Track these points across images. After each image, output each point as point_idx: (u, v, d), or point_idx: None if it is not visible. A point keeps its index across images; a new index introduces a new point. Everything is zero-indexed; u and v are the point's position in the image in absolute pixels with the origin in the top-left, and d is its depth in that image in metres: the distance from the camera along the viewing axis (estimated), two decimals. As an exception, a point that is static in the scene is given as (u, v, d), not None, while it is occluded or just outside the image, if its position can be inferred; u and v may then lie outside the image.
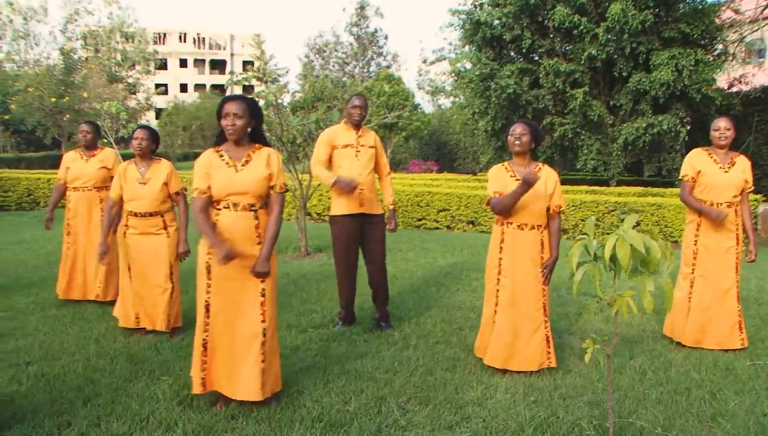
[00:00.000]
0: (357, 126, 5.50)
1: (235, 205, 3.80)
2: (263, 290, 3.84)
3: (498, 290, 4.57)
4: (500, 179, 4.57)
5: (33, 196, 15.78)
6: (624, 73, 17.56)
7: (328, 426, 3.63)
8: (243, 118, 3.79)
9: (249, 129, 3.89)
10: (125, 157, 9.32)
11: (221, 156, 3.86)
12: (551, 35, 19.19)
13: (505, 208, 4.45)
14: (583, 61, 17.90)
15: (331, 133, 5.55)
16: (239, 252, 3.74)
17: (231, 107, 3.78)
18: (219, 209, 3.83)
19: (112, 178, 6.19)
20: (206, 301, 3.84)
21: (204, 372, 3.84)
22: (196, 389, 3.84)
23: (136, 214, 5.34)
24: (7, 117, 33.58)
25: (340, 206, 5.43)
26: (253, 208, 3.83)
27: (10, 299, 6.46)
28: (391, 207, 5.69)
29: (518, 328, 4.49)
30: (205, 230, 3.78)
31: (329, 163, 5.50)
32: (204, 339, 3.84)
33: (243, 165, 3.84)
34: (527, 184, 4.19)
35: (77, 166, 6.44)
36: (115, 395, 4.02)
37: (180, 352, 4.89)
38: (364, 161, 5.43)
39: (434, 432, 3.60)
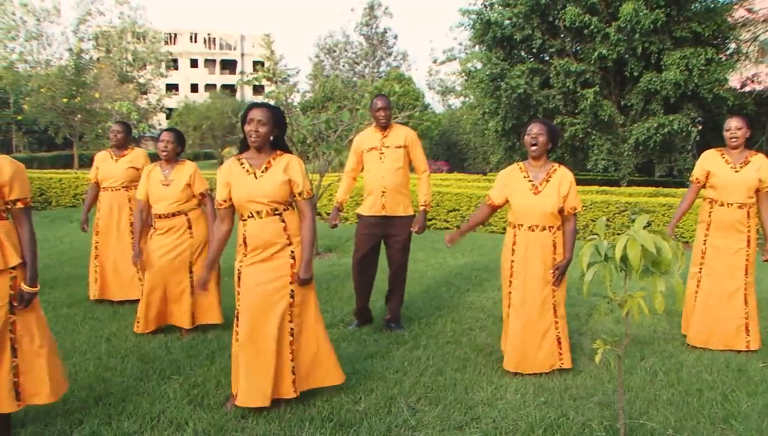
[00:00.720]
0: (384, 128, 5.49)
1: (258, 212, 3.78)
2: (292, 291, 3.82)
3: (510, 293, 4.57)
4: (507, 184, 4.57)
5: (45, 196, 15.86)
6: (635, 73, 17.51)
7: (338, 426, 3.63)
8: (266, 126, 3.76)
9: (272, 137, 3.86)
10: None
11: (242, 164, 3.85)
12: (562, 35, 19.17)
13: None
14: (593, 61, 17.86)
15: (358, 138, 5.63)
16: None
17: (255, 114, 3.75)
18: (245, 220, 3.82)
19: None
20: (237, 309, 3.85)
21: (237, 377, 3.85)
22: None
23: (160, 216, 5.35)
24: (20, 117, 33.81)
25: (365, 207, 5.50)
26: (277, 212, 3.80)
27: (22, 297, 6.49)
28: (422, 207, 5.62)
29: (529, 330, 4.46)
30: (213, 241, 4.04)
31: (361, 167, 5.62)
32: (236, 351, 3.85)
33: (263, 172, 3.81)
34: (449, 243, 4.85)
35: (107, 166, 6.44)
36: (126, 394, 4.04)
37: (190, 351, 4.90)
38: (387, 163, 5.41)
39: (444, 432, 3.60)
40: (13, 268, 3.27)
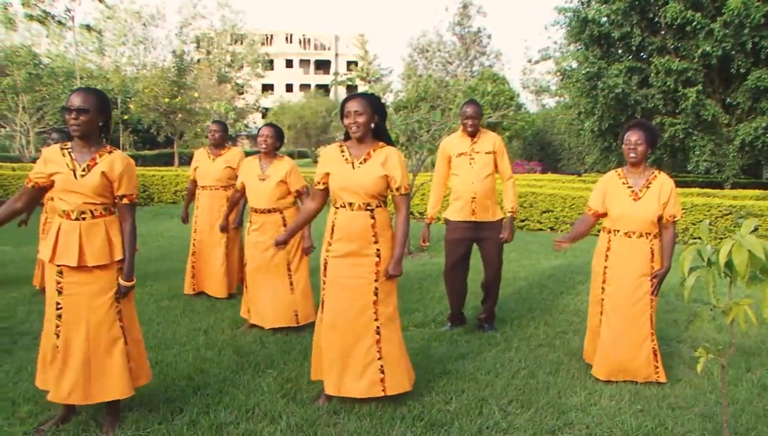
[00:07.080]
0: (473, 134, 5.45)
1: (350, 204, 3.79)
2: (376, 289, 3.82)
3: (603, 299, 4.45)
4: (607, 191, 4.45)
5: (148, 193, 16.56)
6: (742, 70, 16.74)
7: (428, 425, 3.63)
8: (364, 115, 3.75)
9: (372, 125, 3.84)
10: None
11: (342, 151, 3.87)
12: (662, 32, 18.56)
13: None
14: (696, 59, 17.20)
15: (447, 143, 5.58)
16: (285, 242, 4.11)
17: (352, 106, 3.76)
18: (336, 208, 3.85)
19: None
20: (322, 297, 3.90)
21: (317, 363, 3.96)
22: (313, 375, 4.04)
23: (255, 210, 5.49)
24: (126, 117, 35.45)
25: (453, 211, 5.45)
26: (369, 207, 3.79)
27: (127, 289, 6.79)
28: (510, 214, 5.52)
29: (623, 339, 4.32)
30: (299, 215, 4.14)
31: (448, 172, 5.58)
32: (318, 338, 3.92)
33: (361, 163, 3.81)
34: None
35: (204, 165, 6.61)
36: (223, 386, 4.16)
37: (284, 347, 5.01)
38: (477, 168, 5.36)
39: (536, 437, 3.55)
40: (118, 261, 3.44)
